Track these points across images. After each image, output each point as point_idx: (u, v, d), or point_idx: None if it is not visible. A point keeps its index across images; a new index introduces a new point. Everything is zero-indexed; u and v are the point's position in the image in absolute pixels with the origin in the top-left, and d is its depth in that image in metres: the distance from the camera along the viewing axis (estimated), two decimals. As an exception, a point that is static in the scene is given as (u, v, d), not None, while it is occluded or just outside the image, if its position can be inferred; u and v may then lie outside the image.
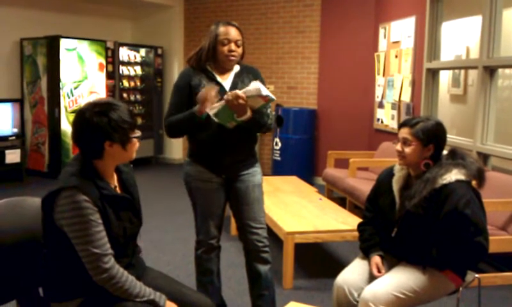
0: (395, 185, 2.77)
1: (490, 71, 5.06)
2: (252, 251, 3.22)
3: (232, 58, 3.02)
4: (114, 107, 2.12)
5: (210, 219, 3.14)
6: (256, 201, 3.18)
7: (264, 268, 3.22)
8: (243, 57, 3.13)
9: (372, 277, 2.71)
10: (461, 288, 2.71)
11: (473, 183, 2.63)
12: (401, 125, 2.74)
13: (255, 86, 2.82)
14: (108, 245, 2.06)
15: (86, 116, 2.09)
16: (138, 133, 2.20)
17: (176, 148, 9.89)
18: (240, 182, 3.13)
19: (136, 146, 2.21)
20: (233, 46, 3.01)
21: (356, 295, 2.67)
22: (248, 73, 3.12)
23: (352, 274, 2.78)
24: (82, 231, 2.00)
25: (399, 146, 2.71)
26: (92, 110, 2.09)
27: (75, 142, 2.14)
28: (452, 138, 5.79)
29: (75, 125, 2.13)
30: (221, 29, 3.01)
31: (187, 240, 5.14)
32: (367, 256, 2.83)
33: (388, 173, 2.87)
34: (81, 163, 2.12)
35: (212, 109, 2.80)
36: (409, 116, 6.24)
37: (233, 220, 5.37)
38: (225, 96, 2.81)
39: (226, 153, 3.05)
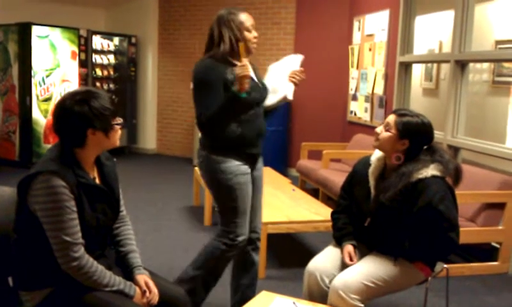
0: (371, 175, 2.80)
1: (461, 66, 5.13)
2: (254, 239, 3.23)
3: (255, 45, 3.00)
4: (94, 95, 2.12)
5: (247, 215, 3.07)
6: (262, 189, 3.29)
7: (257, 257, 3.28)
8: None
9: (344, 265, 2.74)
10: (429, 278, 2.77)
11: (448, 179, 2.67)
12: (392, 111, 2.76)
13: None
14: (79, 235, 2.04)
15: (67, 105, 2.08)
16: (120, 120, 2.20)
17: (150, 138, 9.83)
18: (257, 170, 3.21)
19: (119, 134, 2.22)
20: (255, 32, 3.00)
21: (327, 281, 2.70)
22: (252, 65, 3.05)
23: (324, 260, 2.81)
24: (55, 217, 1.99)
25: (379, 128, 2.73)
26: (73, 99, 2.09)
27: (55, 131, 2.13)
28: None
29: (56, 114, 2.12)
30: (243, 16, 2.97)
31: (159, 230, 5.13)
32: (339, 244, 2.86)
33: (365, 163, 2.88)
34: (61, 150, 2.12)
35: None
36: (382, 109, 6.31)
37: (207, 211, 5.37)
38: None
39: (260, 142, 3.12)
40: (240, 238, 3.04)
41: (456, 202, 2.64)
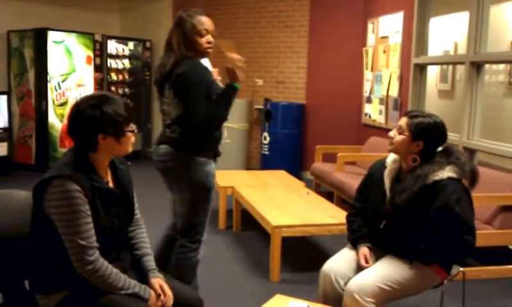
0: (387, 178, 2.79)
1: (477, 67, 5.09)
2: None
3: (210, 51, 2.99)
4: (109, 100, 2.13)
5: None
6: None
7: None
8: None
9: (359, 268, 2.73)
10: (445, 281, 2.75)
11: (465, 181, 2.65)
12: (404, 114, 2.76)
13: None
14: (94, 238, 2.06)
15: (81, 108, 2.10)
16: (133, 127, 2.20)
17: (165, 142, 9.85)
18: None
19: (131, 140, 2.21)
20: (210, 37, 2.97)
21: (342, 283, 2.70)
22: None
23: (339, 262, 2.81)
24: (70, 221, 2.00)
25: (392, 132, 2.73)
26: (87, 103, 2.11)
27: (69, 134, 2.15)
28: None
29: (70, 117, 2.14)
30: (198, 19, 2.94)
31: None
32: (355, 247, 2.85)
33: (380, 165, 2.88)
34: (75, 155, 2.13)
35: None
36: (397, 111, 6.28)
37: (221, 215, 5.38)
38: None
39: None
40: (205, 236, 3.15)
41: (472, 204, 2.62)
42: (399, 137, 2.69)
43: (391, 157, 2.84)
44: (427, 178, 2.57)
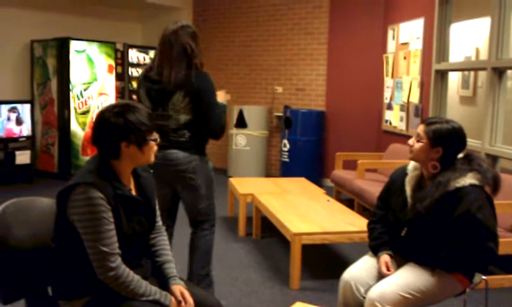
0: (408, 185, 2.77)
1: (499, 73, 5.04)
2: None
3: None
4: (132, 108, 2.16)
5: None
6: None
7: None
8: None
9: (380, 275, 2.71)
10: (467, 290, 2.71)
11: (487, 189, 2.62)
12: (422, 122, 2.76)
13: None
14: (116, 245, 2.08)
15: (105, 116, 2.14)
16: (156, 136, 2.22)
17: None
18: None
19: (154, 149, 2.24)
20: None
21: (362, 291, 2.68)
22: None
23: (360, 269, 2.79)
24: (93, 227, 2.03)
25: (411, 140, 2.73)
26: (111, 111, 2.14)
27: (93, 142, 2.18)
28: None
29: (94, 124, 2.18)
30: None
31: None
32: (375, 254, 2.83)
33: (401, 172, 2.87)
34: (99, 162, 2.16)
35: None
36: (418, 118, 6.24)
37: (241, 222, 5.39)
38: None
39: None
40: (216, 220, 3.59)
41: (494, 211, 2.59)
42: (417, 145, 2.68)
43: (412, 164, 2.82)
44: (449, 185, 2.55)
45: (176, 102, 3.21)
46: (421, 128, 2.70)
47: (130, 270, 2.12)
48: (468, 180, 2.54)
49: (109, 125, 2.12)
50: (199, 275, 3.45)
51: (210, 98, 3.22)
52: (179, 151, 3.27)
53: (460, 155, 2.70)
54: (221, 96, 3.37)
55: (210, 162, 3.45)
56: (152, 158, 2.25)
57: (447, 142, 2.64)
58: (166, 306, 2.16)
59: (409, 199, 2.74)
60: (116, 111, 2.13)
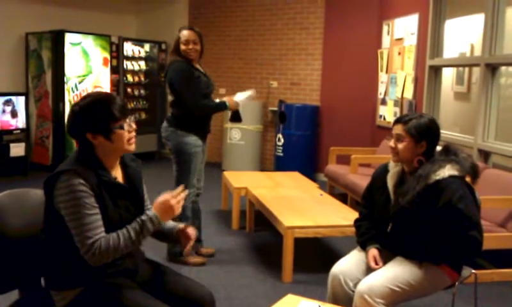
0: (390, 181, 2.81)
1: (492, 69, 5.07)
2: (198, 193, 4.50)
3: (192, 54, 4.18)
4: (97, 99, 2.19)
5: (197, 175, 4.34)
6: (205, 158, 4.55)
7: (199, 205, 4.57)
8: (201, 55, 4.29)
9: (368, 269, 2.75)
10: (456, 283, 2.74)
11: (467, 178, 2.67)
12: (395, 122, 2.78)
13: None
14: (101, 230, 2.07)
15: (73, 109, 2.18)
16: (122, 123, 2.18)
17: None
18: (205, 145, 4.42)
19: (125, 138, 2.19)
20: (190, 45, 4.16)
21: (351, 284, 2.72)
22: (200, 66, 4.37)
23: (348, 263, 2.83)
24: (75, 214, 2.04)
25: (392, 143, 2.75)
26: (77, 104, 2.18)
27: (68, 134, 2.23)
28: (454, 135, 5.80)
29: (67, 116, 2.22)
30: (182, 33, 4.19)
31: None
32: (364, 249, 2.86)
33: (383, 170, 2.91)
34: (83, 151, 2.18)
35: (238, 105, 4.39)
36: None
37: (234, 215, 5.41)
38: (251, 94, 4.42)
39: (210, 126, 4.43)
40: (193, 188, 4.29)
41: (476, 201, 2.64)
42: (401, 145, 2.70)
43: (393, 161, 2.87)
44: (429, 178, 2.59)
45: (166, 85, 4.37)
46: (399, 128, 2.72)
47: (121, 257, 2.14)
48: (447, 171, 2.59)
49: (74, 117, 2.16)
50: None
51: (175, 86, 4.16)
52: (165, 122, 4.35)
53: (438, 148, 2.76)
54: (232, 102, 4.34)
55: (189, 138, 4.19)
56: (129, 147, 2.23)
57: (429, 134, 2.70)
58: (154, 217, 2.14)
59: (392, 195, 2.77)
60: (81, 104, 2.17)
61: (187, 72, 4.13)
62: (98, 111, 2.15)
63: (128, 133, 2.21)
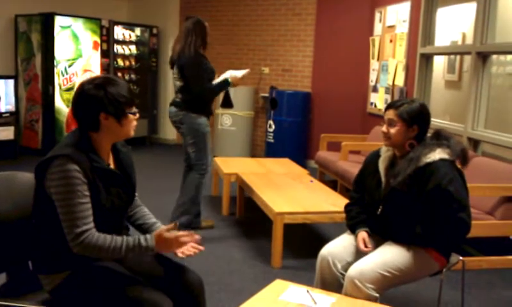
0: (381, 164, 2.85)
1: (483, 57, 5.08)
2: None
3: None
4: (112, 81, 2.18)
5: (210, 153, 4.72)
6: None
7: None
8: None
9: (357, 252, 2.77)
10: (444, 270, 2.77)
11: (457, 163, 2.70)
12: (387, 107, 2.82)
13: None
14: (90, 219, 2.07)
15: (85, 88, 2.15)
16: (134, 110, 2.22)
17: (170, 129, 9.85)
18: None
19: (133, 124, 2.23)
20: None
21: (339, 266, 2.75)
22: None
23: (337, 246, 2.86)
24: (67, 200, 2.03)
25: (384, 128, 2.79)
26: (91, 83, 2.16)
27: (73, 114, 2.19)
28: (444, 123, 5.82)
29: (74, 96, 2.19)
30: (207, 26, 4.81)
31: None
32: (353, 232, 2.89)
33: (375, 155, 2.95)
34: (78, 136, 2.16)
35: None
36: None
37: (225, 201, 5.41)
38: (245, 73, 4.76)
39: (212, 108, 4.79)
40: (208, 166, 4.69)
41: (465, 184, 2.69)
42: (393, 130, 2.75)
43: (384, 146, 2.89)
44: (420, 160, 2.63)
45: (174, 71, 4.63)
46: (391, 113, 2.76)
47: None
48: (438, 154, 2.63)
49: (88, 96, 2.13)
50: (178, 202, 4.75)
51: (188, 71, 4.48)
52: (173, 107, 4.65)
53: (429, 133, 2.79)
54: (234, 77, 4.66)
55: (201, 119, 4.55)
56: (132, 133, 2.25)
57: (420, 118, 2.74)
58: (151, 248, 2.12)
59: (383, 178, 2.81)
60: (96, 83, 2.15)
61: (202, 59, 4.58)
62: (117, 93, 2.14)
63: (135, 119, 2.24)
